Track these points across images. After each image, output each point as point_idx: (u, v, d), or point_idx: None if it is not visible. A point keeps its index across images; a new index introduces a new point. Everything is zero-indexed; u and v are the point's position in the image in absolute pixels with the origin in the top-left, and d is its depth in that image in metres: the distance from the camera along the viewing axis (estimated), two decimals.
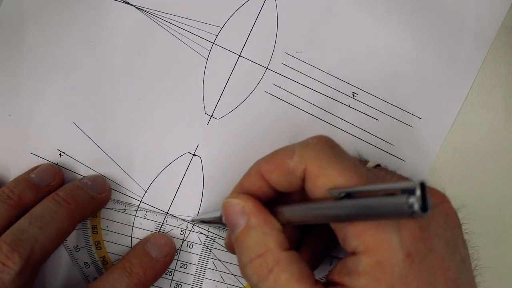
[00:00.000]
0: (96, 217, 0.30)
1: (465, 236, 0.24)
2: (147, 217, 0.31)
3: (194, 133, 0.31)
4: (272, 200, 0.25)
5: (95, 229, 0.30)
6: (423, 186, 0.16)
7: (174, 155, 0.31)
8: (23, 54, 0.31)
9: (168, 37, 0.31)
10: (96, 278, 0.30)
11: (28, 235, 0.25)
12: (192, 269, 0.31)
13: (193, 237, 0.31)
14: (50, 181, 0.29)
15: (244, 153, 0.30)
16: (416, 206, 0.16)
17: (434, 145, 0.30)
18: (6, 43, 0.31)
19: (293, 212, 0.23)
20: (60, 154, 0.31)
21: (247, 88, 0.31)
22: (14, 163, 0.30)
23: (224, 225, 0.26)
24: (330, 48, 0.30)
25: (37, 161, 0.30)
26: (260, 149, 0.30)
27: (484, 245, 0.26)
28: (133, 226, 0.31)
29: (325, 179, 0.21)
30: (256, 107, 0.31)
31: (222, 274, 0.30)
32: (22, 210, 0.27)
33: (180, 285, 0.30)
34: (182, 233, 0.31)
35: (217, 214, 0.27)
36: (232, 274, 0.30)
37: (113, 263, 0.30)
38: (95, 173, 0.31)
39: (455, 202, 0.24)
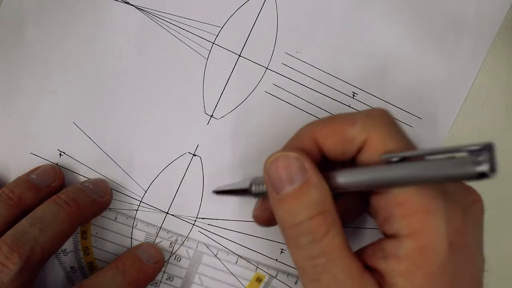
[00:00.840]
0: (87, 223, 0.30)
1: None
2: (137, 227, 0.31)
3: (194, 133, 0.31)
4: None
5: (84, 234, 0.30)
6: (490, 147, 0.16)
7: (174, 155, 0.31)
8: (23, 54, 0.31)
9: (168, 37, 0.31)
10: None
11: (28, 236, 0.25)
12: (178, 282, 0.31)
13: (182, 251, 0.31)
14: (50, 182, 0.29)
15: (244, 153, 0.30)
16: (486, 167, 0.16)
17: (434, 145, 0.30)
18: (6, 43, 0.31)
19: (348, 176, 0.21)
20: (60, 154, 0.31)
21: (247, 88, 0.31)
22: (14, 163, 0.30)
23: (255, 195, 0.25)
24: (330, 48, 0.30)
25: (37, 161, 0.30)
26: (260, 149, 0.30)
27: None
28: (122, 235, 0.31)
29: (387, 152, 0.21)
30: (256, 107, 0.31)
31: None
32: (22, 211, 0.27)
33: None
34: (171, 246, 0.31)
35: (246, 184, 0.25)
36: None
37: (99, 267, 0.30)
38: (95, 173, 0.31)
39: None
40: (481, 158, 0.16)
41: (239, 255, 0.30)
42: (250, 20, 0.31)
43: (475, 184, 0.30)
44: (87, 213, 0.28)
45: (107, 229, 0.31)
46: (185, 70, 0.31)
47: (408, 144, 0.21)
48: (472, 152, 0.16)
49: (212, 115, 0.31)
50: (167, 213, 0.31)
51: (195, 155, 0.31)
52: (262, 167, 0.30)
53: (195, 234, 0.31)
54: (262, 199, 0.27)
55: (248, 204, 0.30)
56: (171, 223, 0.31)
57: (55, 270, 0.30)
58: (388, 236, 0.21)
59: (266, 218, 0.26)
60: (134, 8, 0.31)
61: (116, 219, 0.31)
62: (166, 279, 0.30)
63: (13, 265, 0.25)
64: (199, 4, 0.31)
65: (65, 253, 0.30)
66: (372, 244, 0.22)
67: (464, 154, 0.17)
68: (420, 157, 0.19)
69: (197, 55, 0.31)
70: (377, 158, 0.21)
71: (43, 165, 0.30)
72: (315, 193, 0.21)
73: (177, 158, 0.31)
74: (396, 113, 0.30)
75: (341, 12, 0.30)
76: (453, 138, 0.30)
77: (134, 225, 0.30)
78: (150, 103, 0.31)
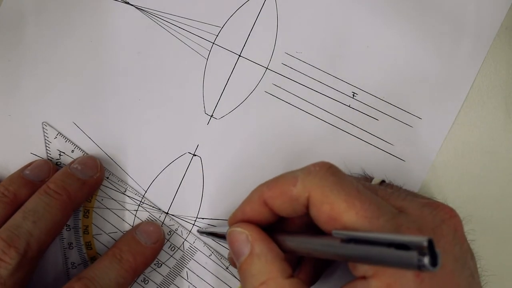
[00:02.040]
0: (90, 201, 0.31)
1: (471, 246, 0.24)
2: (144, 205, 0.31)
3: (194, 133, 0.31)
4: (273, 224, 0.25)
5: (86, 213, 0.30)
6: (430, 242, 0.17)
7: (174, 155, 0.31)
8: (23, 54, 0.31)
9: (168, 37, 0.31)
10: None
11: (23, 230, 0.26)
12: (165, 270, 0.30)
13: (178, 241, 0.31)
14: (44, 176, 0.29)
15: (244, 153, 0.30)
16: (427, 261, 0.17)
17: (434, 145, 0.30)
18: (6, 43, 0.31)
19: (297, 243, 0.23)
20: (60, 154, 0.31)
21: (247, 88, 0.31)
22: (14, 163, 0.30)
23: None
24: (330, 48, 0.30)
25: None
26: (260, 149, 0.30)
27: (482, 245, 0.26)
28: (126, 209, 0.31)
29: (328, 206, 0.21)
30: (256, 107, 0.31)
31: (191, 286, 0.30)
32: (18, 208, 0.27)
33: (147, 281, 0.30)
34: (170, 233, 0.31)
35: (225, 230, 0.27)
36: None
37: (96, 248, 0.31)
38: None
39: (457, 207, 0.24)
40: (423, 257, 0.17)
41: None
42: (250, 20, 0.31)
43: (475, 181, 0.30)
44: (78, 198, 0.28)
45: (112, 199, 0.31)
46: (185, 70, 0.31)
47: (350, 193, 0.21)
48: (415, 247, 0.17)
49: (212, 115, 0.31)
50: (167, 213, 0.31)
51: (195, 155, 0.31)
52: (262, 167, 0.30)
53: (195, 234, 0.31)
54: None
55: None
56: (166, 221, 0.31)
57: (55, 262, 0.30)
58: (358, 278, 0.22)
59: None
60: (134, 8, 0.31)
61: (125, 191, 0.31)
62: (154, 264, 0.30)
63: (11, 260, 0.25)
64: (199, 4, 0.31)
65: (68, 228, 0.30)
66: (348, 284, 0.22)
67: (407, 239, 0.18)
68: (367, 239, 0.19)
69: (197, 55, 0.31)
70: (327, 220, 0.22)
71: (36, 160, 0.30)
72: (257, 264, 0.23)
73: (177, 158, 0.31)
74: (396, 113, 0.30)
75: (341, 12, 0.30)
76: (453, 138, 0.30)
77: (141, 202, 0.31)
78: (150, 103, 0.31)
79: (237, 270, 0.24)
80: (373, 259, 0.19)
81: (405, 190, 0.27)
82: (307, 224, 0.25)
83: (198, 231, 0.30)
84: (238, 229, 0.24)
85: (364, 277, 0.21)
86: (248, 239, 0.23)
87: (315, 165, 0.23)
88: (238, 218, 0.25)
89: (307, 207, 0.23)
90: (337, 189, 0.22)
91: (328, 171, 0.23)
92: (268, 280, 0.22)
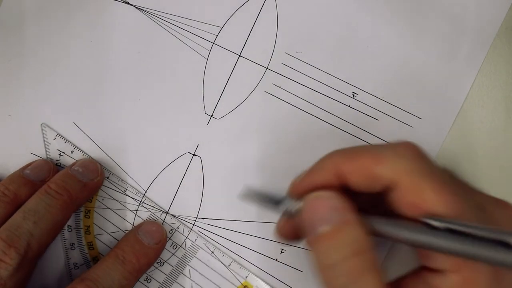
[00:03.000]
0: (91, 202, 0.31)
1: None
2: (144, 204, 0.31)
3: (194, 133, 0.31)
4: None
5: (87, 213, 0.30)
6: None
7: (174, 155, 0.31)
8: (23, 54, 0.31)
9: (168, 37, 0.31)
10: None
11: (23, 230, 0.26)
12: (167, 269, 0.30)
13: (180, 239, 0.31)
14: (44, 176, 0.29)
15: (244, 153, 0.30)
16: None
17: (434, 145, 0.30)
18: (6, 43, 0.31)
19: (381, 226, 0.21)
20: (60, 154, 0.31)
21: (247, 88, 0.31)
22: (14, 163, 0.30)
23: (284, 213, 0.24)
24: (330, 48, 0.30)
25: None
26: (260, 149, 0.30)
27: None
28: (127, 209, 0.31)
29: (415, 193, 0.20)
30: (256, 107, 0.31)
31: (194, 284, 0.30)
32: (18, 207, 0.27)
33: (150, 280, 0.30)
34: (171, 231, 0.31)
35: (276, 198, 0.24)
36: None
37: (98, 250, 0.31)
38: None
39: None
40: None
41: (233, 259, 0.30)
42: (250, 20, 0.31)
43: (475, 181, 0.30)
44: (79, 200, 0.28)
45: (113, 199, 0.31)
46: (185, 70, 0.31)
47: (438, 182, 0.20)
48: None
49: (212, 115, 0.31)
50: (167, 213, 0.31)
51: (195, 155, 0.31)
52: (262, 167, 0.30)
53: (196, 231, 0.31)
54: (288, 218, 0.25)
55: (249, 205, 0.30)
56: (167, 219, 0.31)
57: (56, 261, 0.30)
58: (430, 270, 0.21)
59: (291, 235, 0.25)
60: (134, 8, 0.31)
61: (126, 190, 0.31)
62: (157, 262, 0.30)
63: (11, 260, 0.25)
64: (199, 4, 0.31)
65: (69, 229, 0.30)
66: (412, 275, 0.21)
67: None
68: (466, 231, 0.18)
69: (197, 55, 0.31)
70: (409, 209, 0.20)
71: (36, 160, 0.30)
72: (352, 233, 0.20)
73: (177, 158, 0.31)
74: (396, 113, 0.30)
75: (341, 12, 0.30)
76: (453, 138, 0.30)
77: (142, 200, 0.31)
78: (150, 103, 0.31)
79: (311, 241, 0.21)
80: (475, 254, 0.18)
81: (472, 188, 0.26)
82: (372, 202, 0.23)
83: (242, 193, 0.29)
84: (328, 193, 0.21)
85: (438, 270, 0.20)
86: (338, 206, 0.21)
87: (402, 145, 0.22)
88: (305, 187, 0.23)
89: (386, 187, 0.21)
90: (426, 177, 0.20)
91: (416, 154, 0.21)
92: (362, 252, 0.20)
